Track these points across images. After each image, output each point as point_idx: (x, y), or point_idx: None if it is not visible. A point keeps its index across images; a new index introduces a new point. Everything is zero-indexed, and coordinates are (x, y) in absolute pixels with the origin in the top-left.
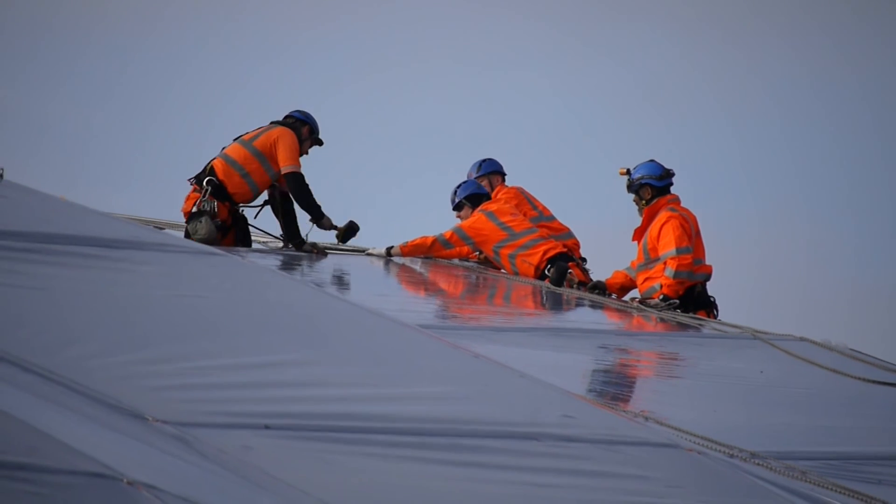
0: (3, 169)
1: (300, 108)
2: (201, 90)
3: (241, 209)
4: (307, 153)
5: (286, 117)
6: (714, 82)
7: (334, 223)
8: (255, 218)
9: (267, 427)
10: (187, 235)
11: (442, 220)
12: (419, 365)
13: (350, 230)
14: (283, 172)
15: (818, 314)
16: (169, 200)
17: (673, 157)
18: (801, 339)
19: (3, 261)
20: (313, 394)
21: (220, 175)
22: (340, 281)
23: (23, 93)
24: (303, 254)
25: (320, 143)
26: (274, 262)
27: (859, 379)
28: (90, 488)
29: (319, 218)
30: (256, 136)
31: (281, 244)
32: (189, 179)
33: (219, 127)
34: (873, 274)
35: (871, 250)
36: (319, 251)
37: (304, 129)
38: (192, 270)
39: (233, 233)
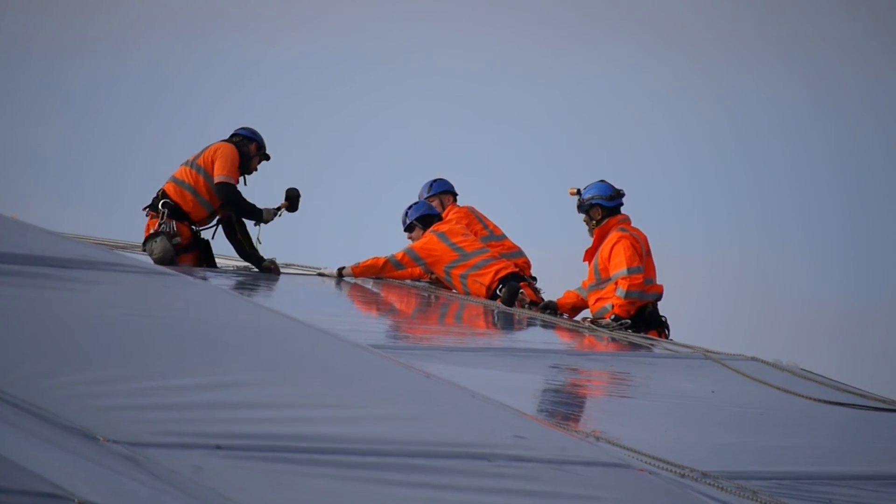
0: None
1: (246, 126)
2: (161, 107)
3: (200, 231)
4: (256, 169)
5: (232, 135)
6: (661, 101)
7: (274, 207)
8: (213, 238)
9: (218, 447)
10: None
11: (395, 240)
12: (371, 385)
13: (293, 198)
14: (215, 182)
15: (768, 334)
16: (122, 221)
17: (622, 176)
18: (752, 358)
19: None
20: (265, 414)
21: (174, 197)
22: (292, 300)
23: None
24: (260, 274)
25: (268, 157)
26: (227, 281)
27: (810, 399)
28: None
29: (261, 218)
30: (199, 155)
31: (242, 264)
32: (144, 208)
33: (172, 147)
34: (824, 293)
35: (822, 269)
36: (276, 270)
37: (251, 147)
38: (144, 290)
39: (195, 253)
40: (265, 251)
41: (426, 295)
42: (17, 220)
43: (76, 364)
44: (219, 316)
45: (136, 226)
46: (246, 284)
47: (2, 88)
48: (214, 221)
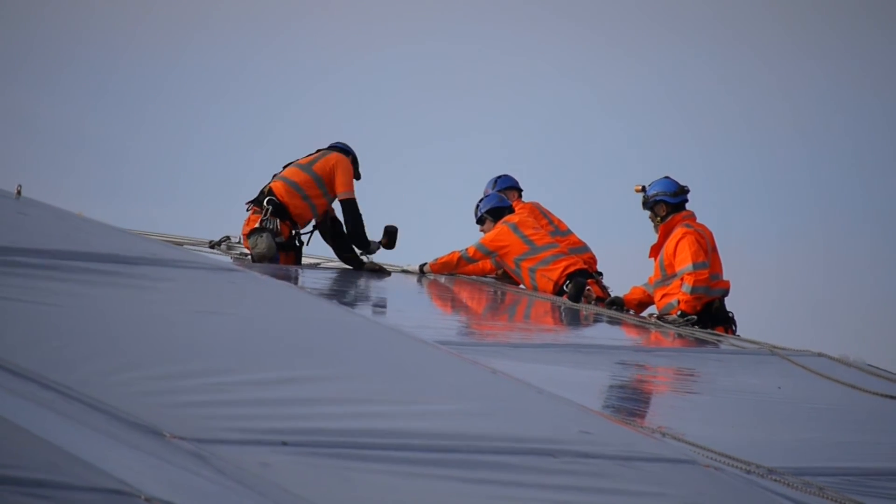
0: (20, 186)
1: (343, 141)
2: (226, 113)
3: (299, 233)
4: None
5: (335, 148)
6: (733, 96)
7: (377, 241)
8: (308, 244)
9: (285, 443)
10: (249, 252)
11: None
12: (437, 381)
13: (391, 234)
14: (339, 198)
15: (836, 330)
16: (187, 217)
17: (690, 172)
18: (819, 354)
19: (21, 278)
20: (331, 410)
21: (283, 197)
22: (360, 297)
23: (46, 105)
24: (348, 271)
25: (359, 177)
26: (309, 278)
27: (877, 394)
28: None
29: (368, 248)
30: (314, 161)
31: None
32: (247, 203)
33: (227, 145)
34: (892, 289)
35: (891, 265)
36: (382, 270)
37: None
38: (211, 287)
39: (291, 254)
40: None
41: (493, 291)
42: (83, 216)
43: (143, 361)
44: (284, 312)
45: (200, 222)
46: (324, 281)
47: (76, 84)
48: (311, 227)
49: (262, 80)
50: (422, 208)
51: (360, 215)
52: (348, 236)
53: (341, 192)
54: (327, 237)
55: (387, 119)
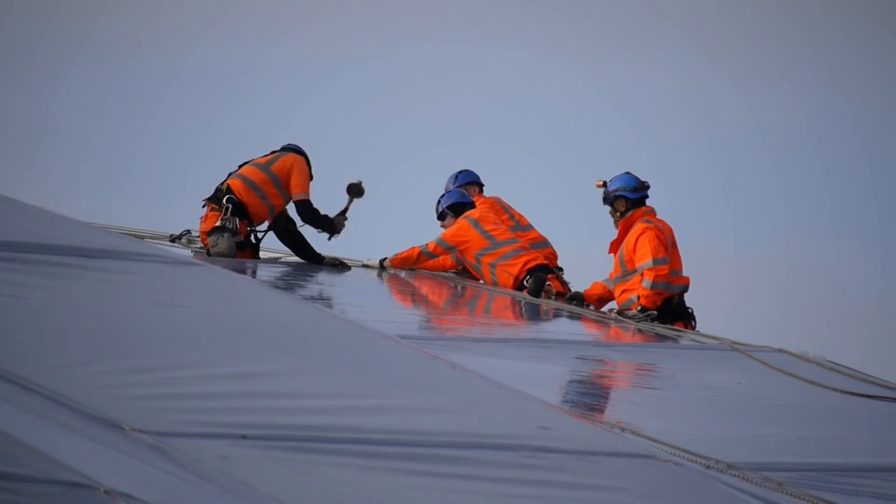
0: None
1: (296, 143)
2: (183, 102)
3: (255, 231)
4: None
5: (289, 149)
6: (691, 93)
7: (340, 212)
8: (262, 237)
9: (244, 437)
10: (207, 249)
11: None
12: (397, 375)
13: (355, 190)
14: (294, 199)
15: (796, 326)
16: (148, 211)
17: (649, 168)
18: (779, 350)
19: None
20: (291, 404)
21: (241, 195)
22: (319, 291)
23: (6, 97)
24: (301, 265)
25: (312, 177)
26: (267, 272)
27: (837, 391)
28: (68, 497)
29: (335, 229)
30: (272, 161)
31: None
32: (204, 200)
33: (192, 141)
34: (852, 286)
35: (850, 262)
36: (342, 265)
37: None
38: (172, 280)
39: (247, 252)
40: (326, 248)
41: (453, 285)
42: (46, 210)
43: (103, 354)
44: (245, 306)
45: (159, 216)
46: (284, 276)
47: (40, 80)
48: (266, 226)
49: (220, 71)
50: (422, 208)
51: (316, 211)
52: (304, 247)
53: (297, 192)
54: (283, 237)
55: (388, 119)
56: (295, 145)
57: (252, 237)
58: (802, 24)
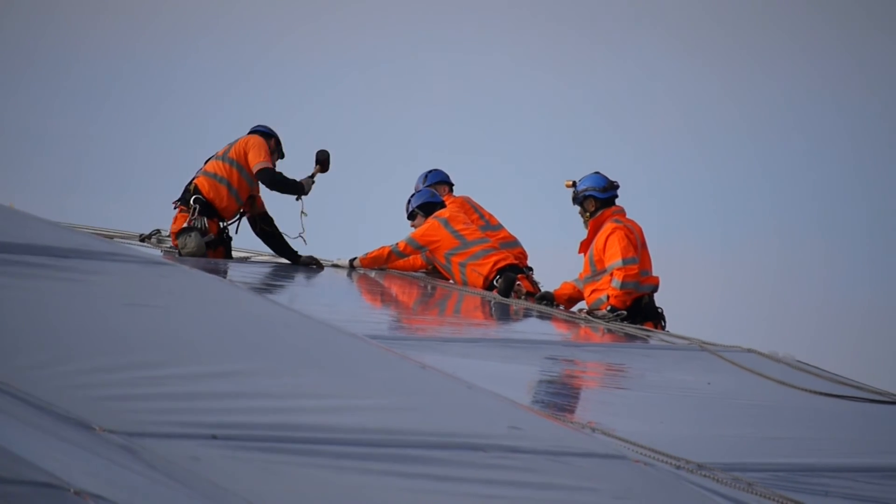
0: None
1: (262, 124)
2: (162, 99)
3: (226, 226)
4: (274, 166)
5: (251, 132)
6: (667, 92)
7: (309, 175)
8: (236, 233)
9: (214, 437)
10: (177, 250)
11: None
12: (367, 376)
13: (324, 160)
14: (255, 170)
15: (766, 326)
16: (118, 211)
17: (619, 168)
18: (749, 350)
19: None
20: (261, 404)
21: (208, 193)
22: (289, 291)
23: None
24: (280, 265)
25: (283, 155)
26: (239, 272)
27: (806, 390)
28: (38, 498)
29: (303, 191)
30: (228, 149)
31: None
32: (174, 202)
33: (169, 139)
34: (821, 286)
35: (820, 262)
36: (316, 263)
37: (270, 142)
38: (141, 280)
39: (220, 249)
40: (304, 249)
41: (423, 285)
42: (14, 208)
43: (73, 354)
44: (215, 306)
45: (131, 216)
46: (254, 275)
47: (6, 78)
48: (237, 216)
49: (214, 71)
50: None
51: (279, 175)
52: (282, 246)
53: (255, 163)
54: (262, 236)
55: (383, 120)
56: (259, 128)
57: (224, 234)
58: (789, 23)
